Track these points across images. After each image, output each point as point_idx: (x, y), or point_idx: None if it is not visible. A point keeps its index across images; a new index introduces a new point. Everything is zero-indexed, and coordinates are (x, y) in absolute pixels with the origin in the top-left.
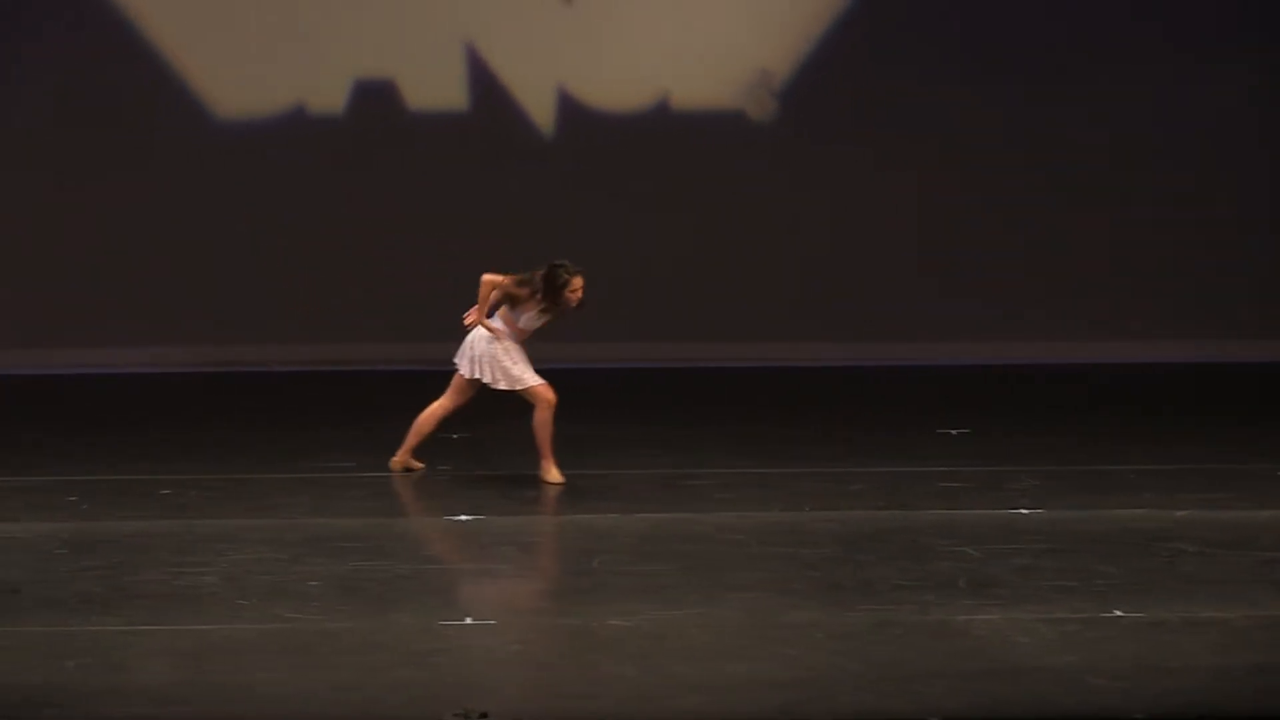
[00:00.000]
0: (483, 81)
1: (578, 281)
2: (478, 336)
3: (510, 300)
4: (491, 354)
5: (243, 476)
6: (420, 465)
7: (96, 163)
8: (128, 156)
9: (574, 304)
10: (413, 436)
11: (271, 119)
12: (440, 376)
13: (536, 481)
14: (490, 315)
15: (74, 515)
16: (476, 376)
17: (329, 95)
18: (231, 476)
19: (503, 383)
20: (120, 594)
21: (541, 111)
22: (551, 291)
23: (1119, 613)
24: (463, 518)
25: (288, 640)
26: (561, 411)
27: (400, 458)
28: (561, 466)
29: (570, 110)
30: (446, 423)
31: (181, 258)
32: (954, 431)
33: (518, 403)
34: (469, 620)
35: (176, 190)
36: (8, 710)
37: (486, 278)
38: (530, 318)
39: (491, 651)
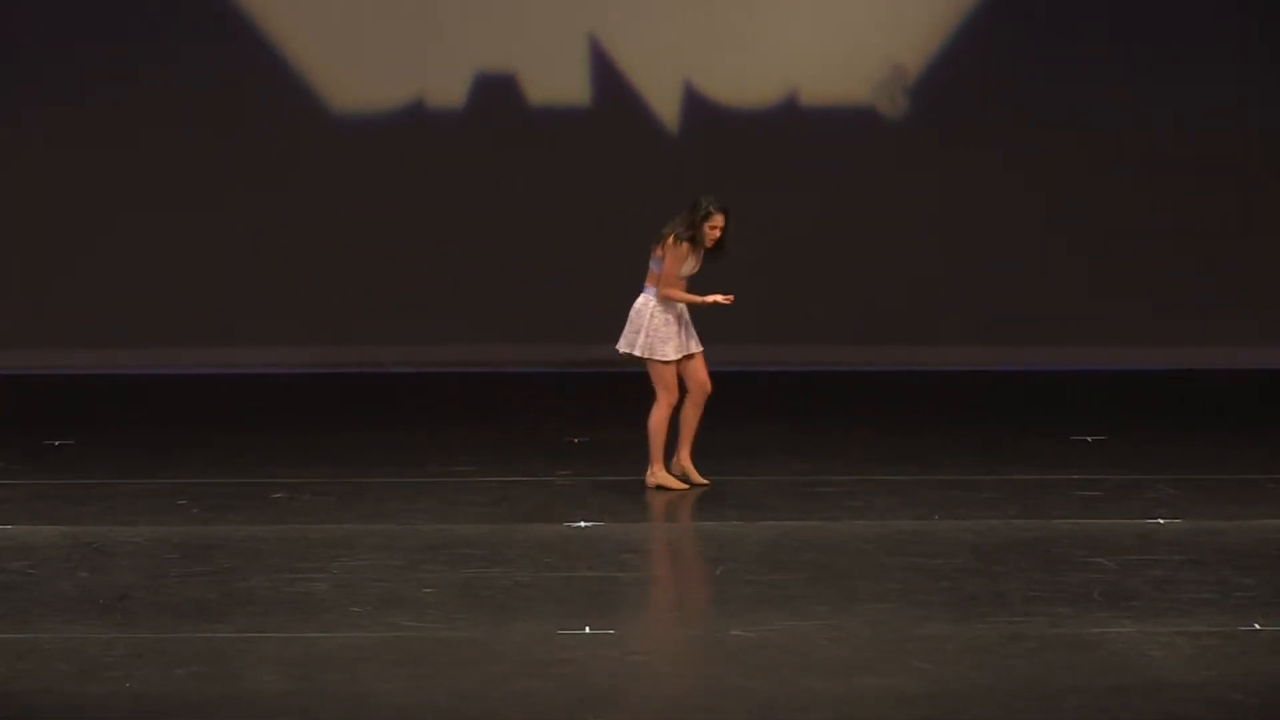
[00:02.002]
0: (606, 76)
1: (718, 219)
2: (639, 307)
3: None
4: (640, 321)
5: (357, 481)
6: (704, 480)
7: (209, 159)
8: (243, 152)
9: (710, 242)
10: (655, 448)
11: (390, 112)
12: (573, 378)
13: (659, 487)
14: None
15: (185, 519)
16: (627, 350)
17: (449, 89)
18: (345, 480)
19: (625, 344)
20: (232, 600)
21: (666, 107)
22: (692, 223)
23: (1258, 626)
24: (582, 524)
25: (404, 649)
26: None
27: (671, 471)
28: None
29: (696, 105)
30: (579, 427)
31: (293, 255)
32: (1090, 439)
33: (643, 406)
34: (587, 630)
35: (292, 186)
36: (119, 717)
37: (666, 292)
38: (687, 264)
39: (612, 662)
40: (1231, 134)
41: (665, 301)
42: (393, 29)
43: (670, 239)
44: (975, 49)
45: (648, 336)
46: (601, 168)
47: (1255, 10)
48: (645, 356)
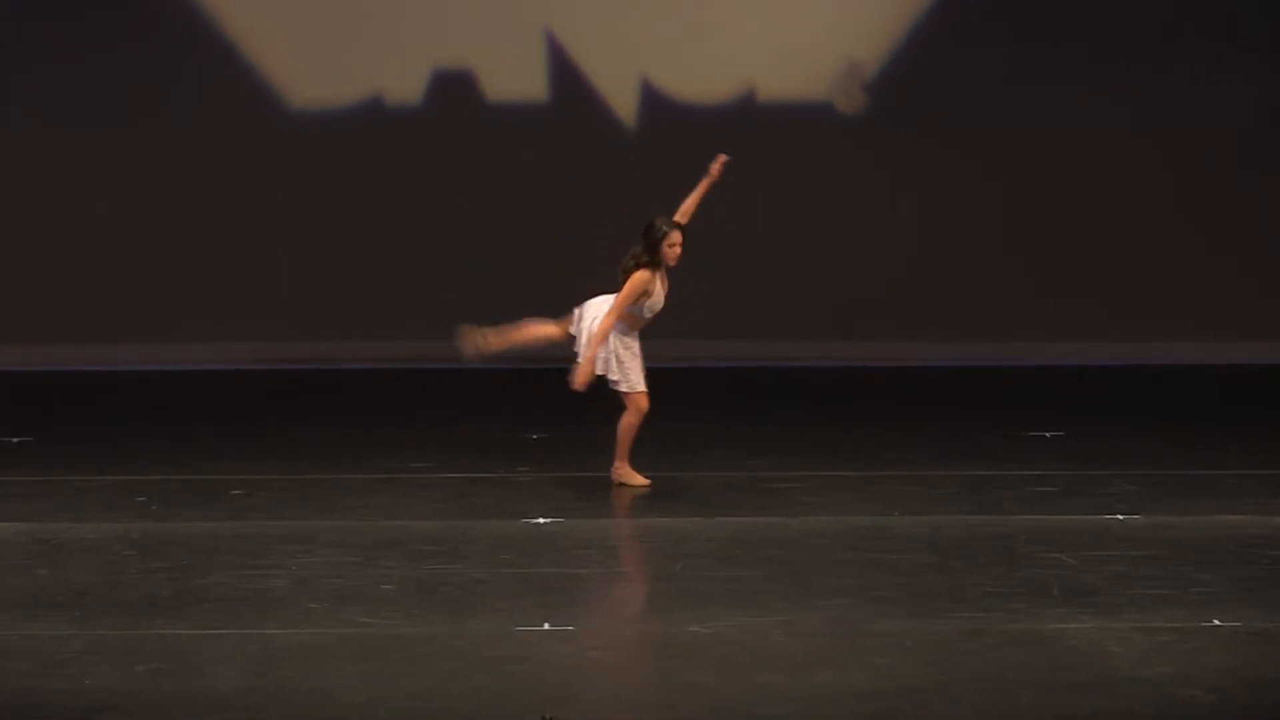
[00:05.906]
0: (563, 71)
1: (675, 236)
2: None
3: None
4: (616, 351)
5: (314, 477)
6: (646, 482)
7: (164, 155)
8: (198, 148)
9: (672, 261)
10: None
11: (348, 109)
12: (531, 374)
13: (621, 484)
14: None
15: (142, 516)
16: (602, 373)
17: (406, 86)
18: (302, 477)
19: (616, 376)
20: (189, 597)
21: (624, 103)
22: (651, 246)
23: (1217, 622)
24: (540, 521)
25: (361, 645)
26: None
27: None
28: (644, 468)
29: (653, 102)
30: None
31: (249, 252)
32: (1047, 434)
33: (599, 404)
34: (547, 626)
35: (248, 183)
36: (77, 715)
37: (605, 325)
38: (652, 295)
39: (570, 658)
40: (1182, 133)
41: (619, 334)
42: (350, 26)
43: (633, 268)
44: (933, 45)
45: (625, 371)
46: (559, 164)
47: (1214, 8)
48: (624, 390)
